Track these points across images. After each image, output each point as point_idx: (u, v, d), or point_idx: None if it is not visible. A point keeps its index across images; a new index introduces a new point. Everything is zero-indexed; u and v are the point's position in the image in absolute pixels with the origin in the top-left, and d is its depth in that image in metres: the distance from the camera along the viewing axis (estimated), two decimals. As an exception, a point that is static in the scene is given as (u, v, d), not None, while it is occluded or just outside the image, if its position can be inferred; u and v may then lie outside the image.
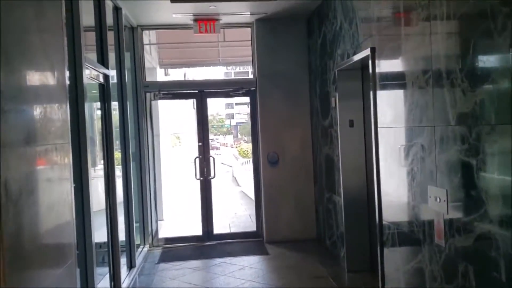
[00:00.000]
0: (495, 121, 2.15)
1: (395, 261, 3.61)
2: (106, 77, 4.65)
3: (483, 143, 2.26)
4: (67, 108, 2.81)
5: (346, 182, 5.03)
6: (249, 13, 6.18)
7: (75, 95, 3.64)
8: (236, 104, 51.52)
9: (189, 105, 15.33)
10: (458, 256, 2.57)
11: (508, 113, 2.04)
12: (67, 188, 2.77)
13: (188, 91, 7.17)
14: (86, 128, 3.71)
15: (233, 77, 21.37)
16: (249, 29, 6.85)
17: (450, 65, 2.56)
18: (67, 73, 2.88)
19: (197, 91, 6.96)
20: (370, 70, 3.88)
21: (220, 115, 50.45)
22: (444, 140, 2.66)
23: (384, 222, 3.82)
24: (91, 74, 4.19)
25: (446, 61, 2.61)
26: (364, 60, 4.22)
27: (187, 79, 13.39)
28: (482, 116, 2.25)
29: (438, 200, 2.76)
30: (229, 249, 6.46)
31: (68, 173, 2.80)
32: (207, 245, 6.74)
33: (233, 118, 52.37)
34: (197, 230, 6.99)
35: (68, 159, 2.83)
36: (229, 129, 50.40)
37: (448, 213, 2.65)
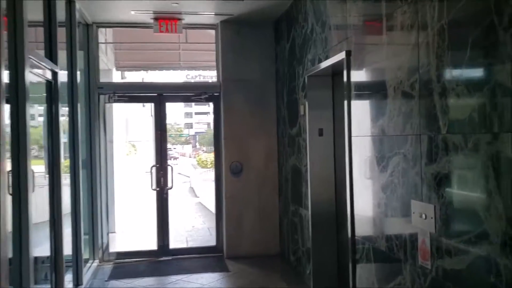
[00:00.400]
0: (498, 129, 1.90)
1: (370, 280, 3.32)
2: (54, 74, 4.21)
3: (483, 153, 2.00)
4: (1, 106, 2.48)
5: (314, 194, 4.74)
6: (214, 13, 5.84)
7: (15, 93, 3.23)
8: (196, 113, 51.03)
9: (146, 112, 14.85)
10: (447, 280, 2.30)
11: (516, 119, 1.79)
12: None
13: (146, 94, 6.72)
14: (27, 131, 3.30)
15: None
16: (213, 32, 6.51)
17: (441, 66, 2.31)
18: (3, 70, 2.58)
19: (155, 94, 6.51)
20: (345, 74, 3.61)
21: (178, 124, 49.67)
22: (432, 150, 2.40)
23: (356, 238, 3.55)
24: (36, 71, 3.75)
25: (436, 62, 2.35)
26: (336, 66, 3.97)
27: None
28: (482, 124, 2.00)
29: (424, 216, 2.49)
30: (186, 265, 6.02)
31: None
32: (163, 260, 6.26)
33: (191, 127, 51.81)
34: (152, 244, 6.52)
35: (2, 165, 2.46)
36: (187, 138, 49.76)
37: (436, 232, 2.39)
